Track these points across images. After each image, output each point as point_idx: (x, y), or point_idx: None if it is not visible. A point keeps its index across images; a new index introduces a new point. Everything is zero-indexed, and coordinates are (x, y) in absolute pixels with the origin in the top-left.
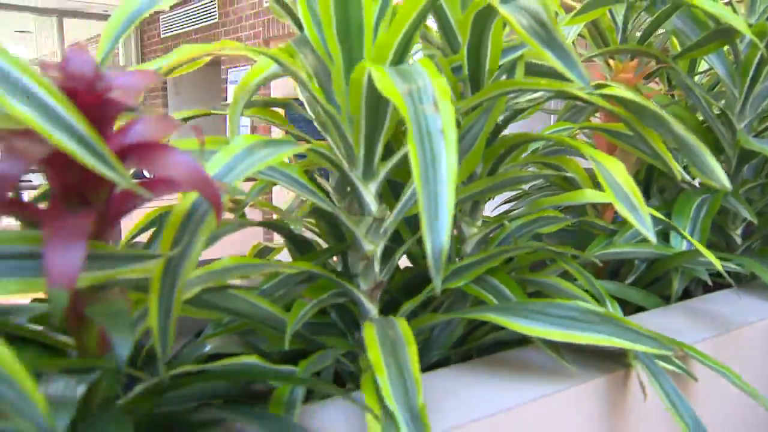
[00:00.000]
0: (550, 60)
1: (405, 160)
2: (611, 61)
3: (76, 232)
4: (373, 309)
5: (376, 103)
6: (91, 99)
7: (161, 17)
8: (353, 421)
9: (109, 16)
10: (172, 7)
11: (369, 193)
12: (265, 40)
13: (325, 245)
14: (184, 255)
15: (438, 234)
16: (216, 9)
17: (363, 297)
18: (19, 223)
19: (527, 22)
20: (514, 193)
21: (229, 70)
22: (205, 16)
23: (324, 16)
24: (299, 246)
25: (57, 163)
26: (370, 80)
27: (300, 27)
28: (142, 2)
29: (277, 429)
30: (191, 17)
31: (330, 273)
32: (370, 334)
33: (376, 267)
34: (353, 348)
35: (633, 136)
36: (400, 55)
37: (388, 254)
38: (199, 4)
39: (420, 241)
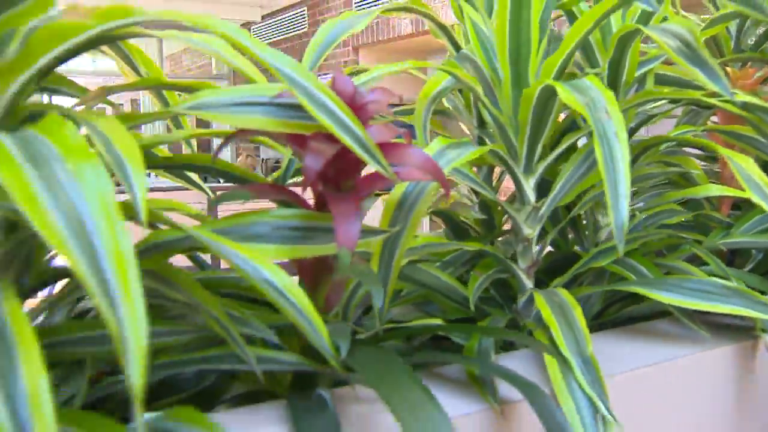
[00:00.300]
0: (698, 76)
1: (556, 159)
2: (728, 69)
3: (354, 209)
4: (530, 284)
5: (542, 112)
6: (354, 109)
7: (252, 28)
8: (530, 369)
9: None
10: (263, 18)
11: (528, 186)
12: (354, 48)
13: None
14: (400, 233)
15: (620, 211)
16: (306, 19)
17: (522, 274)
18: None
19: (675, 43)
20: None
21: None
22: (295, 26)
23: (499, 43)
24: (457, 231)
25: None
26: (541, 93)
27: (455, 46)
28: (337, 26)
29: (479, 365)
30: (282, 27)
31: (498, 252)
32: (539, 299)
33: (533, 248)
34: (513, 316)
35: (755, 137)
36: (560, 73)
37: (539, 238)
38: (292, 13)
39: (561, 231)
